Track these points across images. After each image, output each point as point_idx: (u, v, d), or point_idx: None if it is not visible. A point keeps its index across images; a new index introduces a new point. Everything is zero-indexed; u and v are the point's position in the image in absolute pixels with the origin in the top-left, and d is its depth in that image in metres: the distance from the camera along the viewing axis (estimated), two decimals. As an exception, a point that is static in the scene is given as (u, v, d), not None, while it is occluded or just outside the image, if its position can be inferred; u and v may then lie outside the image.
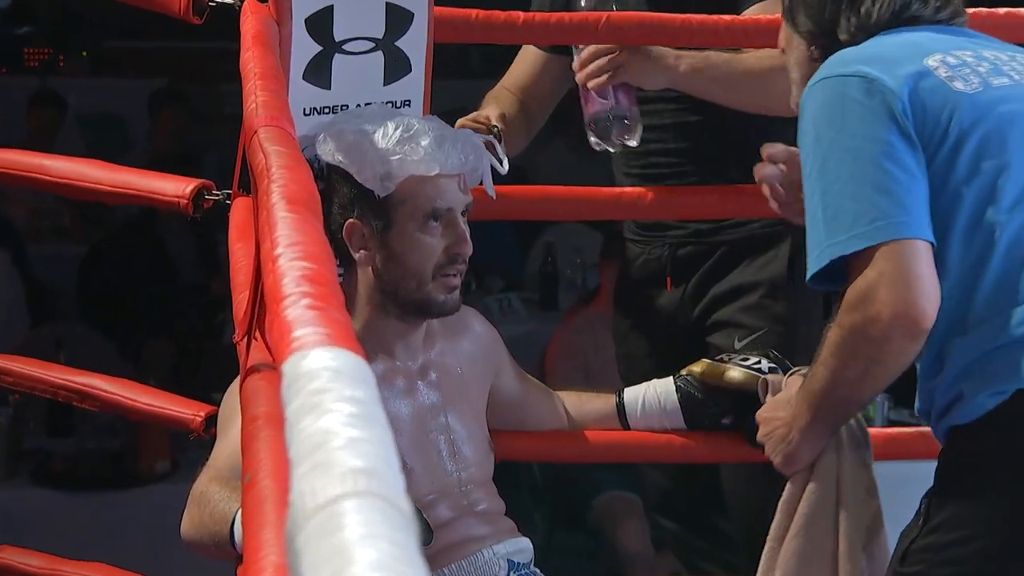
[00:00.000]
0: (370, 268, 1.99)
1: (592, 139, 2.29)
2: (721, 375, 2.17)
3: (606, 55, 2.24)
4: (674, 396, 2.21)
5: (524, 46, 2.52)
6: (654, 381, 2.24)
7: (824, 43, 1.87)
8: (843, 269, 1.73)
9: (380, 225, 1.96)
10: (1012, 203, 1.72)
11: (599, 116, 2.26)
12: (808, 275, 1.76)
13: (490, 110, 2.39)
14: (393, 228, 1.96)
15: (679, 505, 2.63)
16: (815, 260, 1.75)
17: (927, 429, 1.85)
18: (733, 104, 2.29)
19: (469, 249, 1.99)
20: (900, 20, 1.87)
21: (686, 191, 2.40)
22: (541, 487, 4.08)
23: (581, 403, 2.27)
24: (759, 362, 2.16)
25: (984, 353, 1.71)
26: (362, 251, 1.99)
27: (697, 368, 2.21)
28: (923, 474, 1.80)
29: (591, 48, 2.25)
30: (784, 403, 1.96)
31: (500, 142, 2.21)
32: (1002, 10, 2.26)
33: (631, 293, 2.62)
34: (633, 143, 2.28)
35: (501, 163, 2.13)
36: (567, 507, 4.06)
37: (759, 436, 1.99)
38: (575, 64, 2.28)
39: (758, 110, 2.29)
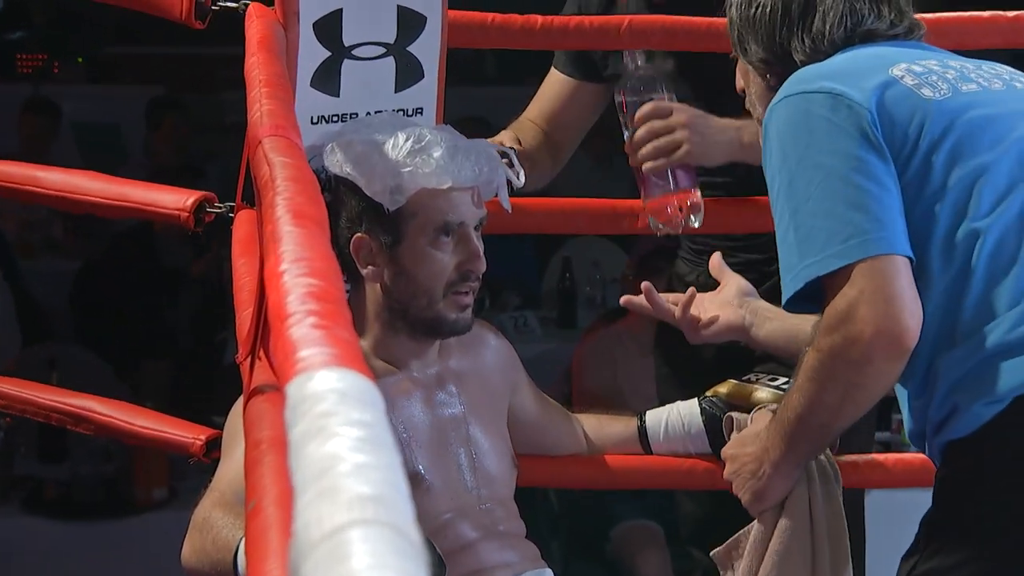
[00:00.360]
0: (378, 284, 2.01)
1: (652, 223, 2.25)
2: (748, 396, 2.18)
3: (663, 134, 2.21)
4: (699, 419, 2.21)
5: (547, 80, 2.50)
6: (678, 403, 2.24)
7: (779, 70, 1.89)
8: (820, 291, 1.73)
9: (389, 240, 1.98)
10: (990, 208, 1.72)
11: (658, 200, 2.24)
12: (784, 299, 1.76)
13: (504, 135, 2.39)
14: (403, 243, 1.98)
15: (714, 536, 2.61)
16: (790, 283, 1.75)
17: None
18: None
19: (482, 266, 2.00)
20: (855, 36, 1.88)
21: (724, 203, 2.40)
22: (557, 514, 4.08)
23: (601, 426, 2.27)
24: (787, 382, 2.16)
25: (977, 363, 1.71)
26: (370, 267, 2.00)
27: (723, 389, 2.21)
28: (911, 500, 1.79)
29: (645, 128, 2.22)
30: (752, 438, 1.96)
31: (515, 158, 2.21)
32: (986, 13, 2.28)
33: None
34: (697, 224, 2.25)
35: (517, 175, 2.14)
36: (585, 536, 4.06)
37: (725, 474, 1.98)
38: (627, 146, 2.25)
39: None
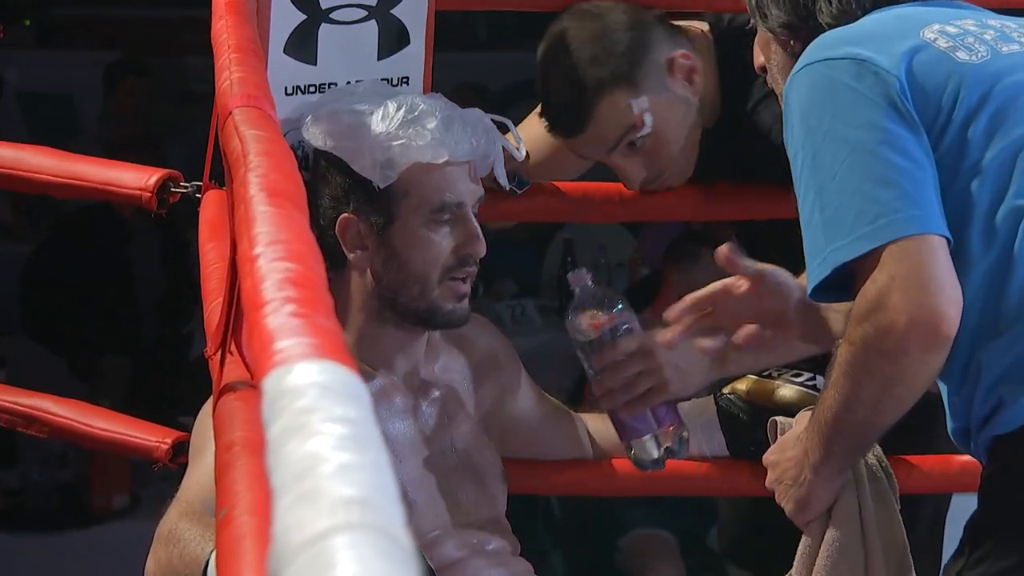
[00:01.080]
0: (367, 270, 2.01)
1: (635, 460, 2.12)
2: (770, 394, 2.18)
3: (635, 370, 2.05)
4: (715, 418, 2.22)
5: (533, 117, 2.42)
6: (692, 400, 2.24)
7: (804, 34, 1.88)
8: (849, 277, 1.73)
9: (379, 221, 1.98)
10: None
11: (638, 443, 2.11)
12: (810, 289, 1.76)
13: None
14: (394, 224, 1.98)
15: (755, 551, 2.59)
16: (816, 270, 1.74)
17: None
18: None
19: (483, 249, 2.00)
20: None
21: (727, 190, 2.40)
22: (560, 524, 4.09)
23: (607, 426, 2.26)
24: (813, 378, 2.17)
25: (1023, 352, 1.71)
26: (357, 251, 2.00)
27: (741, 385, 2.21)
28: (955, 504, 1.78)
29: (611, 373, 2.06)
30: (793, 441, 1.94)
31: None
32: None
33: None
34: (684, 454, 2.13)
35: (518, 147, 2.13)
36: (590, 546, 4.07)
37: (767, 483, 1.96)
38: (593, 387, 2.09)
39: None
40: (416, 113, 1.96)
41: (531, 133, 2.38)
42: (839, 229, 1.72)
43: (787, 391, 2.16)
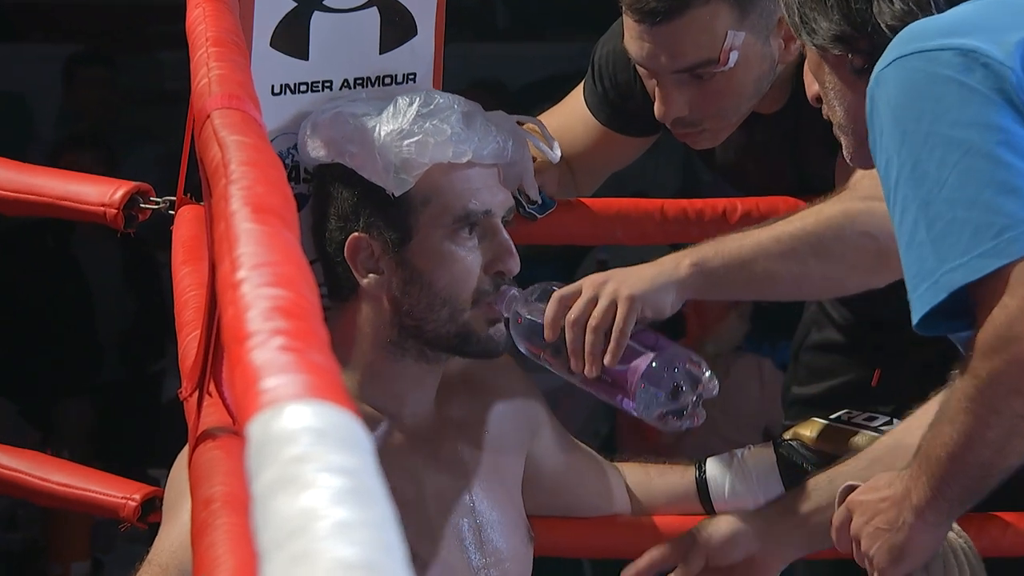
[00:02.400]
0: (384, 298, 2.00)
1: (652, 420, 2.06)
2: (842, 442, 2.17)
3: (589, 311, 2.02)
4: (775, 470, 2.21)
5: (572, 112, 2.50)
6: (748, 448, 2.24)
7: (865, 45, 1.86)
8: (966, 303, 1.73)
9: (395, 237, 1.98)
10: None
11: (644, 393, 2.04)
12: (916, 318, 1.74)
13: None
14: (413, 240, 1.98)
15: None
16: (926, 295, 1.73)
17: None
18: (780, 295, 2.24)
19: (517, 265, 2.00)
20: None
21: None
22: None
23: (649, 478, 2.28)
24: (890, 422, 2.16)
25: None
26: (371, 275, 2.00)
27: (807, 431, 2.21)
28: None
29: (566, 325, 2.02)
30: (888, 479, 1.92)
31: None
32: None
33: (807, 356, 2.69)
34: (714, 390, 2.07)
35: (551, 145, 2.14)
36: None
37: (852, 529, 1.94)
38: (567, 365, 2.05)
39: (823, 290, 2.29)
40: (432, 106, 1.97)
41: (569, 117, 2.41)
42: (954, 247, 1.71)
43: (863, 439, 2.16)
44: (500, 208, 2.01)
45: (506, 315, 2.03)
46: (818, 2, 1.89)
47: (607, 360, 2.02)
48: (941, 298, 1.72)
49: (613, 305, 2.03)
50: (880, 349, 2.61)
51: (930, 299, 1.73)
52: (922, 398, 2.04)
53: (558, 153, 2.16)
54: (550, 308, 2.03)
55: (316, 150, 2.00)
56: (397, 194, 1.96)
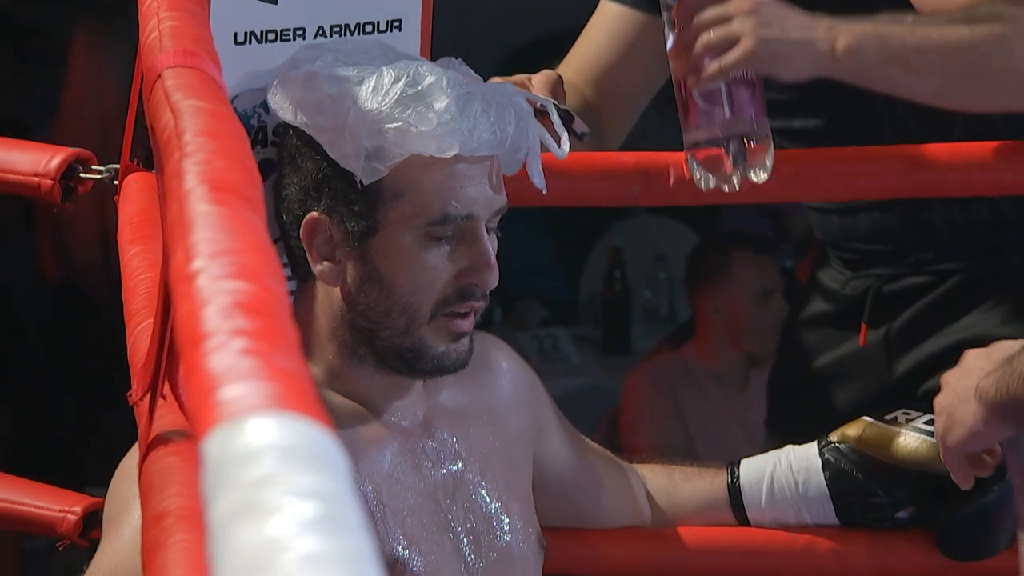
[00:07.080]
0: (338, 290, 1.99)
1: (695, 172, 2.17)
2: (889, 443, 2.17)
3: (717, 23, 2.12)
4: (820, 475, 2.21)
5: (599, 8, 2.49)
6: (788, 449, 2.24)
7: None
8: None
9: (358, 228, 1.96)
10: None
11: (704, 135, 2.16)
12: None
13: (538, 78, 2.35)
14: (378, 235, 1.96)
15: None
16: None
17: None
18: (928, 99, 2.24)
19: (494, 280, 1.98)
20: None
21: (807, 156, 2.40)
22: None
23: (674, 483, 2.27)
24: (933, 420, 2.15)
25: None
26: (326, 262, 1.98)
27: (853, 431, 2.21)
28: None
29: (694, 21, 2.13)
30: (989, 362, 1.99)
31: (558, 113, 2.17)
32: None
33: (797, 334, 2.69)
34: (763, 176, 2.16)
35: (559, 141, 2.10)
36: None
37: (937, 429, 2.00)
38: (669, 47, 2.17)
39: (972, 106, 2.27)
40: (420, 87, 1.94)
41: (599, 24, 2.47)
42: None
43: (909, 439, 2.17)
44: (485, 210, 1.98)
45: None
46: None
47: (691, 82, 2.15)
48: None
49: (736, 36, 2.11)
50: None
51: None
52: None
53: (566, 149, 2.11)
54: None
55: (284, 111, 1.98)
56: (367, 182, 1.94)
